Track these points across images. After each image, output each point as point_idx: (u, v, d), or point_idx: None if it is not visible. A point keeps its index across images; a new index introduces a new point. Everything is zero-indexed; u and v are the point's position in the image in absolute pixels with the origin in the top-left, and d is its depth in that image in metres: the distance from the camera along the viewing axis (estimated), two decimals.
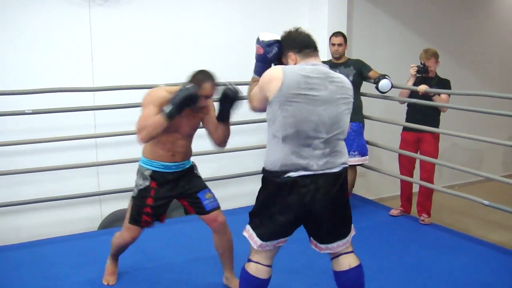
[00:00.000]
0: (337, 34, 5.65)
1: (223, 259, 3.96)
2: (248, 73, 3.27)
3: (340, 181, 3.07)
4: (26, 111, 4.93)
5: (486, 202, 4.84)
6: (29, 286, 4.10)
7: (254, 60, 3.26)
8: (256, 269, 3.11)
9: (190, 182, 3.81)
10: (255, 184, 3.24)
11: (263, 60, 3.17)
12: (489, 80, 8.28)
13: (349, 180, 5.68)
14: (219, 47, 5.99)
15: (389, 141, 6.24)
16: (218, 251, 3.93)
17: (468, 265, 4.48)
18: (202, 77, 3.50)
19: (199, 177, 3.90)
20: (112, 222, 5.38)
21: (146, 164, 3.73)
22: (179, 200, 3.87)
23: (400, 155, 5.78)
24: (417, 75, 5.44)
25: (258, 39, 3.18)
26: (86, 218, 5.49)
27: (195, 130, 3.78)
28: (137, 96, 4.03)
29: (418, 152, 5.61)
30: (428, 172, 5.56)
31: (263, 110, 3.06)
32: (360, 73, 5.62)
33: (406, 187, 5.78)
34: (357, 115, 5.66)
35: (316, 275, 4.19)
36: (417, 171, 5.72)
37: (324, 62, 5.76)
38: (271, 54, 3.14)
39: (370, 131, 6.10)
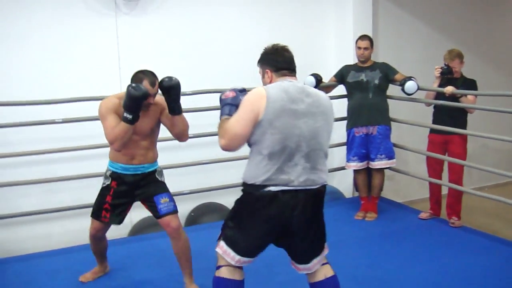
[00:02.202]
0: (363, 37, 5.64)
1: (180, 264, 4.05)
2: None
3: (318, 199, 3.09)
4: (56, 120, 5.03)
5: None
6: None
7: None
8: (228, 272, 3.10)
9: (148, 186, 4.00)
10: None
11: (235, 103, 3.10)
12: None
13: (377, 183, 5.73)
14: (246, 52, 5.97)
15: (416, 144, 6.21)
16: (176, 256, 4.04)
17: (500, 268, 4.42)
18: (141, 76, 3.71)
19: (161, 181, 4.08)
20: (142, 228, 5.43)
21: (109, 166, 3.99)
22: (142, 204, 4.07)
23: (428, 157, 5.74)
24: (442, 76, 5.41)
25: (225, 90, 3.20)
26: None
27: (152, 130, 3.96)
28: None
29: (446, 154, 5.56)
30: (457, 174, 5.51)
31: (247, 134, 2.96)
32: (386, 76, 5.60)
33: (435, 189, 5.74)
34: (384, 118, 5.65)
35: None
36: (445, 173, 5.68)
37: (349, 65, 5.82)
38: (242, 97, 3.09)
39: (397, 134, 6.07)
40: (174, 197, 5.09)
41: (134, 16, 5.57)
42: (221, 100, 3.18)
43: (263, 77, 3.19)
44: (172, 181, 5.49)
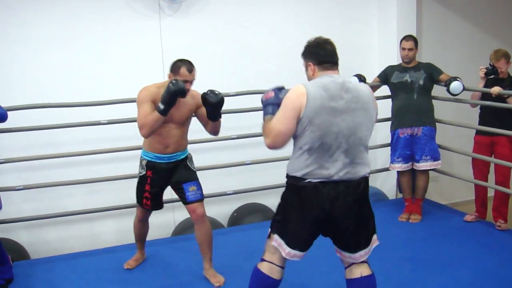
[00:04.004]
0: (408, 38, 5.57)
1: (201, 250, 4.29)
2: None
3: (360, 189, 3.14)
4: (101, 122, 5.11)
5: None
6: None
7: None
8: (269, 269, 3.20)
9: (180, 173, 4.23)
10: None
11: (275, 102, 3.19)
12: None
13: (421, 185, 5.66)
14: (288, 53, 5.98)
15: (461, 145, 6.11)
16: (198, 242, 4.27)
17: None
18: (179, 64, 3.97)
19: (190, 169, 4.28)
20: (184, 228, 5.47)
21: (144, 155, 4.24)
22: (172, 188, 4.32)
23: (474, 159, 5.65)
24: (486, 77, 5.32)
25: (266, 92, 3.29)
26: (160, 225, 5.60)
27: (186, 119, 4.17)
28: None
29: (493, 156, 5.47)
30: (503, 176, 5.40)
31: (290, 132, 3.05)
32: (430, 76, 5.53)
33: (480, 191, 5.63)
34: (429, 119, 5.58)
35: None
36: (491, 175, 5.58)
37: (393, 66, 5.75)
38: (283, 96, 3.16)
39: (442, 135, 5.99)
40: (217, 198, 5.12)
41: (177, 18, 5.62)
42: (262, 101, 3.28)
43: (306, 70, 3.24)
44: (216, 181, 5.55)
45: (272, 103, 3.21)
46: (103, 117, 5.15)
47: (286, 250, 3.14)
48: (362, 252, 3.20)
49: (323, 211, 3.06)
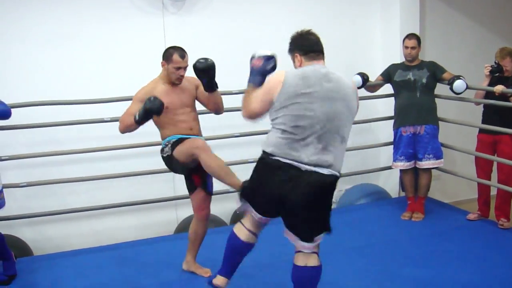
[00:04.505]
0: (410, 36, 5.57)
1: (193, 244, 4.28)
2: None
3: (324, 183, 3.16)
4: (105, 119, 5.11)
5: None
6: None
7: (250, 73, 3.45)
8: (238, 229, 3.42)
9: None
10: None
11: (260, 72, 3.38)
12: None
13: (424, 183, 5.65)
14: None
15: (464, 143, 6.11)
16: (191, 236, 4.27)
17: None
18: (172, 51, 4.04)
19: None
20: (187, 225, 5.44)
21: (169, 139, 4.07)
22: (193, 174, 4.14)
23: (477, 158, 5.64)
24: (491, 75, 5.31)
25: (255, 54, 3.43)
26: (163, 222, 5.62)
27: (194, 101, 4.24)
28: None
29: (496, 154, 5.46)
30: (506, 175, 5.39)
31: (263, 112, 3.27)
32: (433, 75, 5.53)
33: (483, 190, 5.63)
34: (431, 117, 5.58)
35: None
36: (494, 174, 5.57)
37: (396, 64, 5.74)
38: (269, 67, 3.38)
39: (444, 133, 5.98)
40: (219, 196, 5.11)
41: (181, 16, 5.63)
42: (250, 63, 3.44)
43: (293, 62, 3.38)
44: None
45: (257, 72, 3.37)
46: (106, 115, 5.14)
47: (253, 212, 3.31)
48: (306, 245, 3.25)
49: (281, 191, 3.15)
